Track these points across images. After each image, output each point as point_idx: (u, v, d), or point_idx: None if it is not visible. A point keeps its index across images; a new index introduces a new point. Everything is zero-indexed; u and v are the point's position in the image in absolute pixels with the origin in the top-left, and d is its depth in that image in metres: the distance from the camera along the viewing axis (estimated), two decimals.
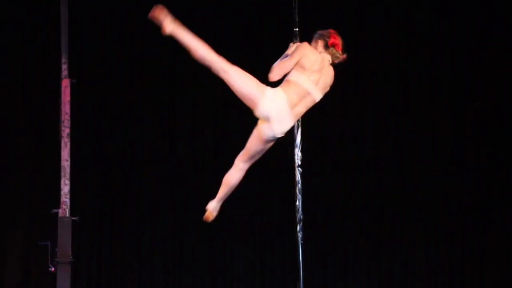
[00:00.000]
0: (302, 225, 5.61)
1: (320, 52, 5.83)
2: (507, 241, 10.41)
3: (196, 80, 10.10)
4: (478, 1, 10.39)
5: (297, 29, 5.92)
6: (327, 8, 10.01)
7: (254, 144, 5.80)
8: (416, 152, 10.35)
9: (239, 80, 5.61)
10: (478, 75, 10.43)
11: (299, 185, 5.63)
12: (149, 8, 9.95)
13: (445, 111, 10.43)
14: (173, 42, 10.01)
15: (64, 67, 8.56)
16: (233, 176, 5.97)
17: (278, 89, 5.67)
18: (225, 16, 10.17)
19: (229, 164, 10.07)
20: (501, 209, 10.39)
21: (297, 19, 5.87)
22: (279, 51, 5.98)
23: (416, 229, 10.34)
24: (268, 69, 5.75)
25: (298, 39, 6.06)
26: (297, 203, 5.57)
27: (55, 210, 8.43)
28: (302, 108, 5.73)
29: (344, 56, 5.91)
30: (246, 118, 10.02)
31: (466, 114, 10.44)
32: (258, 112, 5.69)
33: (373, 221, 10.27)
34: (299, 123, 5.96)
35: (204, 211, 6.04)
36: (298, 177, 5.63)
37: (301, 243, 5.61)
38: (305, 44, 5.81)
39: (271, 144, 5.76)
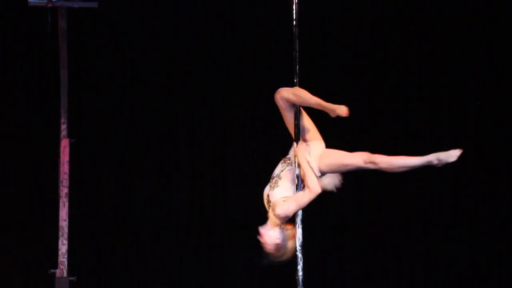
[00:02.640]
0: (303, 284, 5.58)
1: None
2: None
3: (194, 138, 10.13)
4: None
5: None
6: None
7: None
8: (417, 211, 10.33)
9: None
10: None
11: (300, 244, 5.61)
12: (145, 67, 10.10)
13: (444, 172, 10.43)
14: (169, 104, 10.15)
15: (63, 127, 8.60)
16: None
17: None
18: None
19: (228, 225, 10.11)
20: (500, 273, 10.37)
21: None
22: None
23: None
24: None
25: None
26: (298, 261, 5.55)
27: (52, 270, 8.40)
28: None
29: None
30: (245, 179, 10.12)
31: (467, 175, 10.45)
32: None
33: (374, 280, 10.21)
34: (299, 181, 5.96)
35: None
36: (298, 235, 5.62)
37: None
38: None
39: None
